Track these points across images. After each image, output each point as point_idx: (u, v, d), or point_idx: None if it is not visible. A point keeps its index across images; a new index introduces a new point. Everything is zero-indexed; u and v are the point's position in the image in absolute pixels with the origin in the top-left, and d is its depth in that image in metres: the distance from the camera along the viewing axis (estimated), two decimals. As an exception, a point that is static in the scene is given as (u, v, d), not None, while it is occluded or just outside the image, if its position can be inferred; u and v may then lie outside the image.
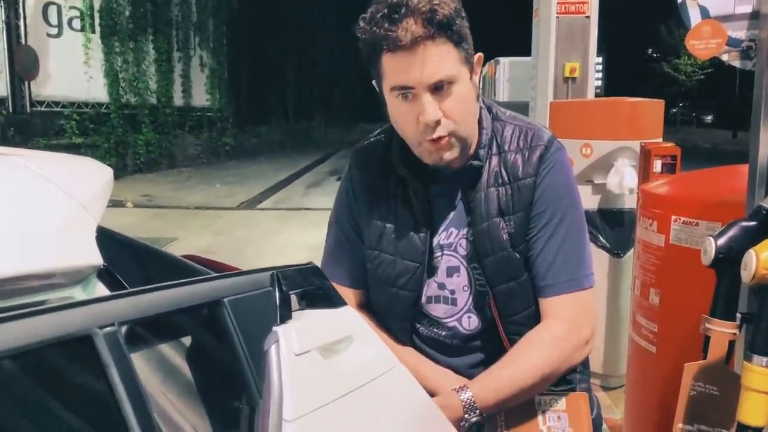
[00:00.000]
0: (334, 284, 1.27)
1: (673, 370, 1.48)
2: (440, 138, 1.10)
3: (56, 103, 10.69)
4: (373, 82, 1.17)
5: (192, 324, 0.73)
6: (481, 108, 1.21)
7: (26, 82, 10.11)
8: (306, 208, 8.60)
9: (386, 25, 1.05)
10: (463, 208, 1.21)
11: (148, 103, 12.50)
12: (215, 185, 10.80)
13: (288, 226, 7.36)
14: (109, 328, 0.54)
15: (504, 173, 1.18)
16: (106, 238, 0.87)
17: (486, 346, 1.23)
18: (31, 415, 0.62)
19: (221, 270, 1.41)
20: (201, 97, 14.27)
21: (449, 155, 1.13)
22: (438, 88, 1.07)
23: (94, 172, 0.92)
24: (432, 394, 1.15)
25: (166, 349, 0.90)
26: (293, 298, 0.74)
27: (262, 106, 18.08)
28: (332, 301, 0.81)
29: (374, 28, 1.06)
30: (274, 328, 0.67)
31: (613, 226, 3.06)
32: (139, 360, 0.64)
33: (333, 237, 1.32)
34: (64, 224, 0.77)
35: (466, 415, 1.07)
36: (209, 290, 0.65)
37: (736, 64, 1.25)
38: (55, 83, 10.60)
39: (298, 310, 0.74)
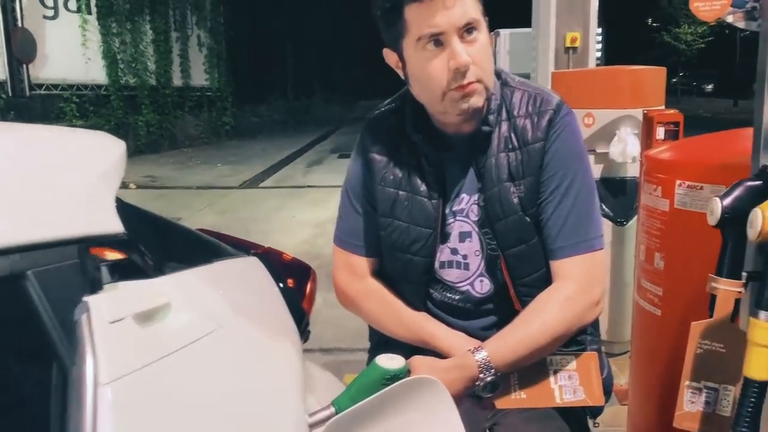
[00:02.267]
0: (349, 253, 1.32)
1: (677, 332, 1.51)
2: (470, 83, 1.11)
3: (55, 86, 10.64)
4: (384, 51, 1.18)
5: None
6: None
7: (24, 66, 10.05)
8: (308, 186, 8.62)
9: None
10: (474, 174, 1.23)
11: (148, 84, 12.45)
12: (217, 165, 10.80)
13: (291, 203, 7.38)
14: None
15: (514, 138, 1.20)
16: (124, 208, 0.89)
17: (498, 309, 1.26)
18: None
19: (233, 243, 1.44)
20: (200, 77, 14.21)
21: (475, 101, 1.13)
22: (468, 31, 1.09)
23: (108, 145, 0.94)
24: (447, 357, 1.18)
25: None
26: (104, 270, 0.77)
27: (262, 85, 17.99)
28: (147, 272, 0.84)
29: None
30: (84, 298, 0.70)
31: (616, 195, 3.08)
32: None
33: (346, 206, 1.34)
34: (83, 194, 0.79)
35: (481, 375, 1.11)
36: (9, 263, 0.66)
37: (741, 25, 1.26)
38: (53, 66, 10.54)
39: (112, 282, 0.77)
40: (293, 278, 1.46)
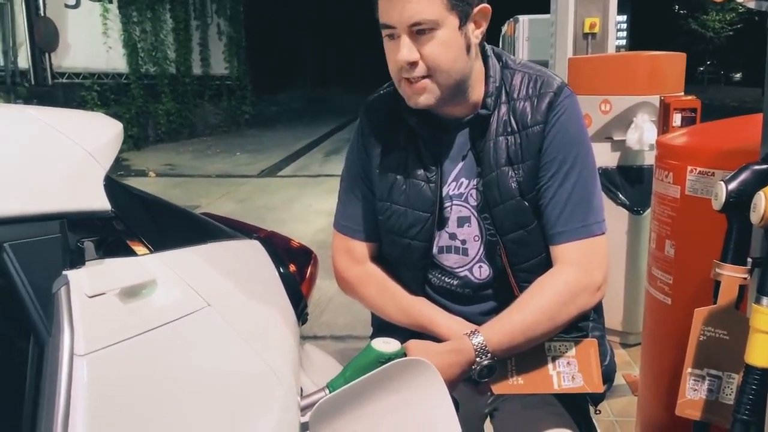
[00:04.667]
0: (348, 238, 1.31)
1: (688, 321, 1.47)
2: (415, 80, 1.11)
3: (77, 75, 10.76)
4: None
5: None
6: (489, 57, 1.21)
7: (47, 54, 10.17)
8: (325, 175, 8.62)
9: None
10: (473, 158, 1.21)
11: (167, 72, 12.53)
12: (236, 154, 10.85)
13: (307, 192, 7.40)
14: None
15: (513, 121, 1.18)
16: (117, 188, 0.89)
17: (497, 295, 1.24)
18: None
19: (237, 227, 1.44)
20: (219, 66, 14.26)
21: (424, 99, 1.13)
22: (419, 32, 1.08)
23: (103, 125, 0.94)
24: (444, 341, 1.17)
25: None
26: (89, 246, 0.77)
27: (281, 74, 18.03)
28: (131, 250, 0.84)
29: None
30: (64, 272, 0.70)
31: (633, 183, 3.03)
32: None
33: (345, 191, 1.34)
34: (71, 170, 0.79)
35: (477, 359, 1.09)
36: None
37: (751, 5, 1.22)
38: (75, 55, 10.65)
39: (96, 258, 0.77)
40: (295, 262, 1.45)
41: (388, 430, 0.97)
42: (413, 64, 1.10)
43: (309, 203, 6.75)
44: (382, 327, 1.34)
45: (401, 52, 1.09)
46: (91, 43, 10.89)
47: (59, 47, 10.38)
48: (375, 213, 1.28)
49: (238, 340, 0.92)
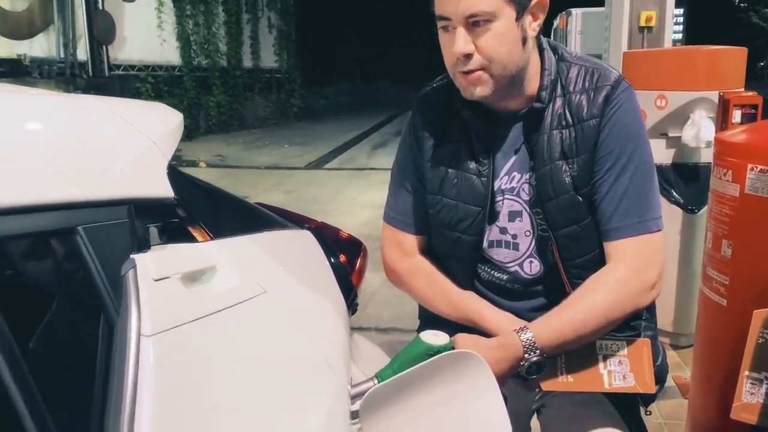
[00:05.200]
0: (398, 231, 1.32)
1: (743, 323, 1.44)
2: (471, 72, 1.11)
3: (132, 67, 11.07)
4: None
5: (51, 248, 0.76)
6: (544, 50, 1.20)
7: (104, 47, 10.49)
8: (371, 168, 8.66)
9: None
10: (526, 152, 1.20)
11: (219, 65, 12.77)
12: (284, 146, 10.99)
13: (353, 185, 7.44)
14: None
15: (568, 115, 1.16)
16: (178, 176, 0.91)
17: (548, 291, 1.23)
18: None
19: (289, 217, 1.47)
20: (269, 59, 14.45)
21: (480, 91, 1.13)
22: (474, 24, 1.08)
23: (165, 115, 0.97)
24: (493, 337, 1.17)
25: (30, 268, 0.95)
26: (154, 231, 0.80)
27: (329, 67, 18.14)
28: (192, 236, 0.87)
29: None
30: (132, 255, 0.73)
31: (688, 181, 2.95)
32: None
33: (396, 183, 1.34)
34: (138, 158, 0.82)
35: (526, 355, 1.09)
36: (64, 217, 0.70)
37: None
38: (131, 47, 10.95)
39: (160, 244, 0.80)
40: (345, 253, 1.47)
41: (436, 421, 0.97)
42: (468, 56, 1.09)
43: (354, 196, 6.79)
44: (429, 320, 1.34)
45: (457, 44, 1.09)
46: (146, 36, 11.18)
47: (116, 40, 10.69)
48: (425, 206, 1.29)
49: (293, 328, 0.94)
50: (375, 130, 13.20)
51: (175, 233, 0.85)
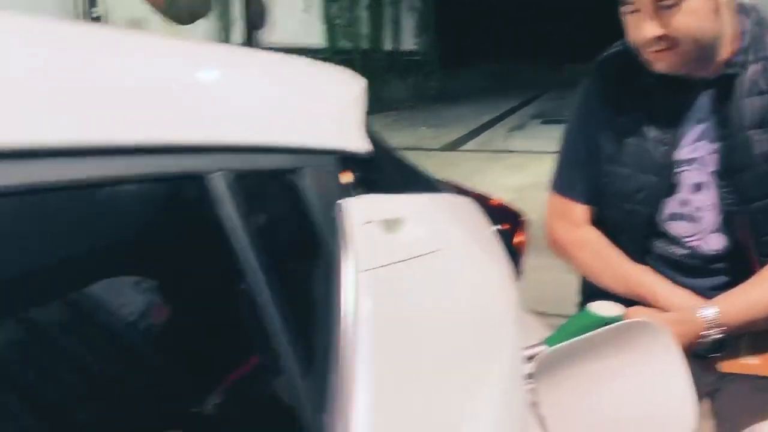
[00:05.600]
0: (566, 200, 1.30)
1: None
2: (660, 50, 1.07)
3: (281, 49, 11.63)
4: None
5: (278, 188, 0.83)
6: (740, 12, 1.12)
7: (257, 31, 11.14)
8: (509, 151, 8.51)
9: None
10: (715, 120, 1.13)
11: (360, 48, 13.11)
12: (420, 127, 11.08)
13: (491, 167, 7.36)
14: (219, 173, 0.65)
15: (764, 81, 1.09)
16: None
17: (731, 269, 1.16)
18: None
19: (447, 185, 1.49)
20: (409, 42, 14.62)
21: (668, 66, 1.10)
22: (664, 6, 1.03)
23: (353, 78, 1.03)
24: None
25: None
26: (353, 181, 0.85)
27: (469, 49, 17.96)
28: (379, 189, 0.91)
29: None
30: (339, 201, 0.78)
31: None
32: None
33: (566, 152, 1.32)
34: (343, 112, 0.88)
35: (708, 331, 1.04)
36: (294, 160, 0.77)
37: None
38: (280, 31, 11.52)
39: (357, 193, 0.84)
40: (505, 223, 1.48)
41: (611, 390, 0.96)
42: (657, 39, 1.06)
43: (492, 178, 6.71)
44: (593, 295, 1.31)
45: (645, 29, 1.06)
46: (293, 20, 11.72)
47: (267, 24, 11.31)
48: (596, 176, 1.25)
49: (470, 285, 0.96)
50: (513, 112, 12.93)
51: (366, 186, 0.91)
